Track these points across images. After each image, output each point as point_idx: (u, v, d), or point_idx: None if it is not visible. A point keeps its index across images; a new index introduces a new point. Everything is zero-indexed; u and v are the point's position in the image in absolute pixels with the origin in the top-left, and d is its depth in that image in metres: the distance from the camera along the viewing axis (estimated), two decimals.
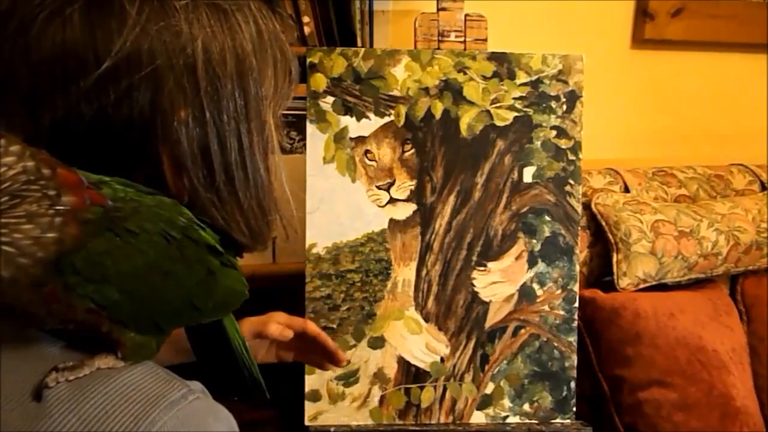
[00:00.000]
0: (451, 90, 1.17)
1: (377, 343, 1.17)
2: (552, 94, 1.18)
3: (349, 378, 1.16)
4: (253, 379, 0.68)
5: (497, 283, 1.18)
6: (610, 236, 1.38)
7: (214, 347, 0.65)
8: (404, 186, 1.17)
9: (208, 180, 0.51)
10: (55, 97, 0.46)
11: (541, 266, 1.19)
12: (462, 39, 1.26)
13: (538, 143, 1.18)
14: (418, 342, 1.17)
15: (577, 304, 1.19)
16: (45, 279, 0.41)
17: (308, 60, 1.14)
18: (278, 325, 0.86)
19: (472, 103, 1.17)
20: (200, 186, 0.51)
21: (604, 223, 1.39)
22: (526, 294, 1.19)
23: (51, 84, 0.46)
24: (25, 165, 0.38)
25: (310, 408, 1.16)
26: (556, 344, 1.18)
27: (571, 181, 1.19)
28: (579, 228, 1.20)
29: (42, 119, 0.46)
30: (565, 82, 1.19)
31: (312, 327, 0.90)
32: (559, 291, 1.19)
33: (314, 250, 1.15)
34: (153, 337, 0.49)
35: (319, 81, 1.15)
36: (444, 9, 1.26)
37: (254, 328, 0.85)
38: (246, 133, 0.52)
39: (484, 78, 1.17)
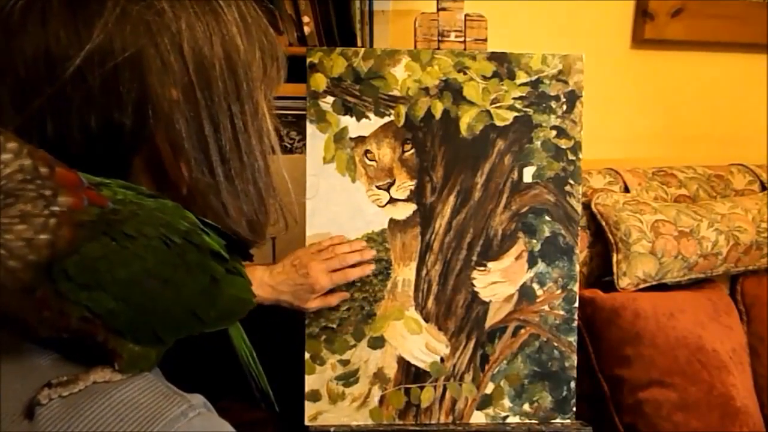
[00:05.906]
0: (451, 90, 1.17)
1: (377, 343, 1.17)
2: (552, 94, 1.18)
3: (349, 378, 1.16)
4: (260, 390, 0.66)
5: (497, 283, 1.18)
6: (610, 236, 1.38)
7: (221, 356, 0.62)
8: (404, 186, 1.17)
9: (204, 163, 0.50)
10: (42, 85, 0.45)
11: (541, 266, 1.19)
12: (462, 39, 1.26)
13: (538, 143, 1.18)
14: (418, 342, 1.17)
15: (577, 304, 1.19)
16: (35, 284, 0.39)
17: (308, 60, 1.14)
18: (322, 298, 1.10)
19: (472, 103, 1.17)
20: (197, 171, 0.50)
21: (604, 223, 1.39)
22: (526, 294, 1.19)
23: (36, 72, 0.45)
24: (22, 163, 0.37)
25: (310, 408, 1.16)
26: (556, 344, 1.18)
27: (571, 181, 1.19)
28: (579, 228, 1.20)
29: (31, 108, 0.46)
30: (565, 82, 1.19)
31: (341, 250, 1.12)
32: (559, 291, 1.19)
33: None
34: (152, 348, 0.46)
35: (319, 81, 1.15)
36: (444, 9, 1.26)
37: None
38: (239, 114, 0.52)
39: (484, 78, 1.17)
